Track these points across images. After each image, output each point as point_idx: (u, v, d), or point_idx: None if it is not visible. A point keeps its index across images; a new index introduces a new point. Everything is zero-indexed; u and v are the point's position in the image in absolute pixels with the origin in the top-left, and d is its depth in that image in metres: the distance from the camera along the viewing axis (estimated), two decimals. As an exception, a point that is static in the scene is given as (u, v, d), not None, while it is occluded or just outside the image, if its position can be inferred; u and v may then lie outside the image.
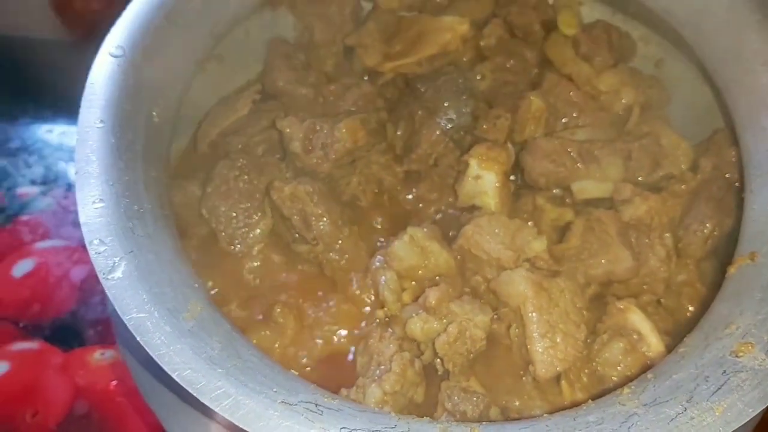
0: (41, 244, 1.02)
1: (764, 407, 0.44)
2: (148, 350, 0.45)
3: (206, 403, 0.43)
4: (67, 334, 0.94)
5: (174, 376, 0.44)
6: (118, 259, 0.49)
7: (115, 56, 0.59)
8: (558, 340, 0.60)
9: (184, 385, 0.43)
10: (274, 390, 0.44)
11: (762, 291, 0.51)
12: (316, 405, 0.43)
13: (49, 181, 1.10)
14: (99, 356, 0.92)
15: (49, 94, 1.17)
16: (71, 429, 0.85)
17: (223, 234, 0.70)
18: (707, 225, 0.68)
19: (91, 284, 0.98)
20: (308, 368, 0.66)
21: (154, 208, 0.54)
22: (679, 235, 0.68)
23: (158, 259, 0.50)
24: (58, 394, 0.88)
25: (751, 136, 0.61)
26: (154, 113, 0.59)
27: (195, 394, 0.43)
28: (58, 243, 1.02)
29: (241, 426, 0.42)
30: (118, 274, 0.48)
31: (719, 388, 0.45)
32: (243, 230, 0.71)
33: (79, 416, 0.86)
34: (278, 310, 0.67)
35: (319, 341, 0.67)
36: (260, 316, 0.68)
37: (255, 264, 0.71)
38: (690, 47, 0.70)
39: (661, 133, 0.73)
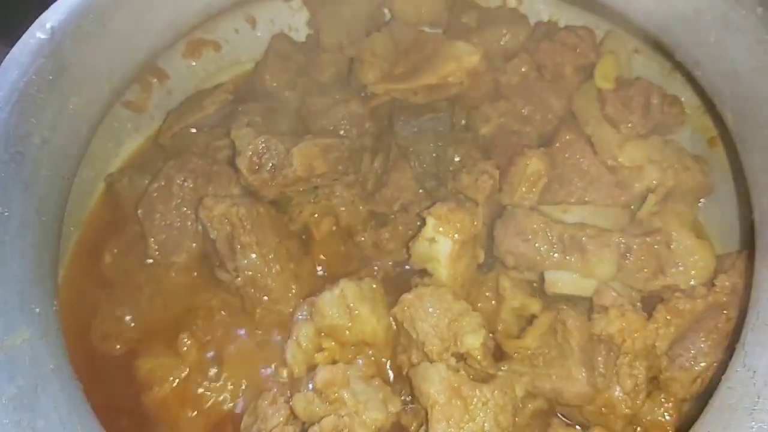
0: None
1: None
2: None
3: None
4: None
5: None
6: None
7: (42, 38, 0.53)
8: (462, 464, 0.50)
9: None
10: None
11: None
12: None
13: None
14: None
15: None
16: None
17: (152, 240, 0.65)
18: (701, 362, 0.54)
19: None
20: (195, 413, 0.59)
21: (27, 212, 0.49)
22: (662, 365, 0.55)
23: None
24: None
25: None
26: (70, 105, 0.54)
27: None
28: None
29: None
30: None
31: None
32: (174, 241, 0.65)
33: None
34: (185, 339, 0.61)
35: (216, 384, 0.60)
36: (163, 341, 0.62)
37: (177, 280, 0.64)
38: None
39: (677, 232, 0.58)
